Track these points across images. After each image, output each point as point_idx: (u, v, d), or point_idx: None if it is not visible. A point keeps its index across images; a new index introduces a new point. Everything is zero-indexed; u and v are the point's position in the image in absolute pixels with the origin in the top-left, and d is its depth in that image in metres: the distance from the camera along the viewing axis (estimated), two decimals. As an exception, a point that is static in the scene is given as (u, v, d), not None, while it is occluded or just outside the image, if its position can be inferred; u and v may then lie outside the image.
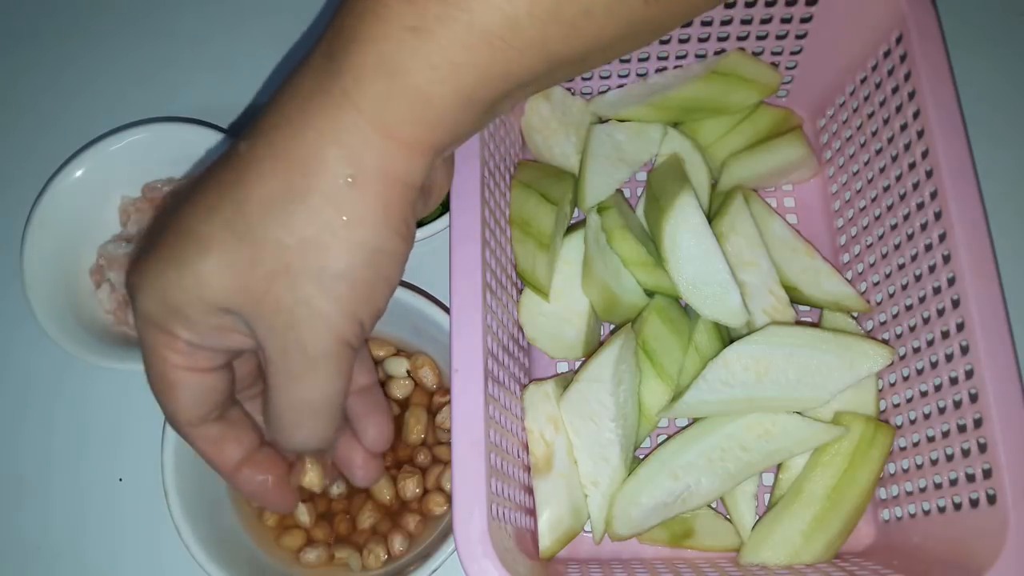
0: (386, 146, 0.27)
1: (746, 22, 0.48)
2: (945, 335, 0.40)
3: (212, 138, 0.51)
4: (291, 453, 0.36)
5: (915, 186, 0.43)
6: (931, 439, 0.41)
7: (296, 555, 0.45)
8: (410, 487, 0.45)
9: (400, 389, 0.47)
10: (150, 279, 0.29)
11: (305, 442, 0.32)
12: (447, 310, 0.45)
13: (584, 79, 0.52)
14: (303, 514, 0.45)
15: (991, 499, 0.36)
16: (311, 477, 0.36)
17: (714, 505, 0.45)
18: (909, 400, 0.43)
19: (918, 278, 0.43)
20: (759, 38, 0.50)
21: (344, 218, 0.27)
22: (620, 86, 0.52)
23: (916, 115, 0.42)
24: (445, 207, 0.49)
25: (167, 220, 0.30)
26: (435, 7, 0.25)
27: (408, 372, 0.48)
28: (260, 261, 0.27)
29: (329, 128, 0.27)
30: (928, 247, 0.42)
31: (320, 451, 0.34)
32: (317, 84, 0.27)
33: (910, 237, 0.43)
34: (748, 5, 0.47)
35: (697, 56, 0.51)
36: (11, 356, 0.53)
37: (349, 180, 0.27)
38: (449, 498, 0.45)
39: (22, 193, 0.52)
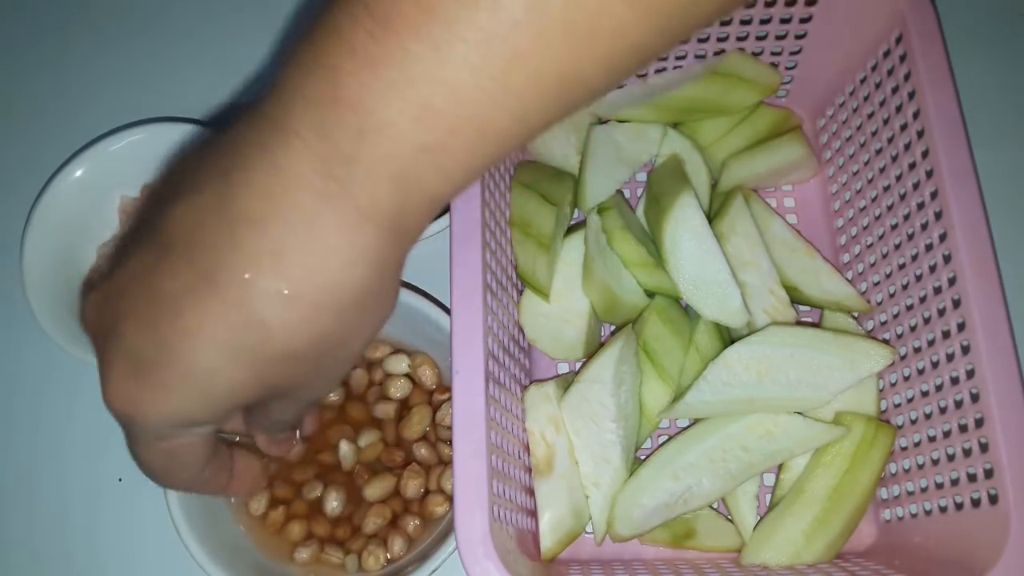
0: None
1: (745, 22, 0.48)
2: (946, 335, 0.40)
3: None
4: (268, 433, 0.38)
5: (915, 186, 0.43)
6: (932, 439, 0.41)
7: (293, 554, 0.44)
8: (413, 486, 0.45)
9: (399, 389, 0.47)
10: (154, 401, 0.26)
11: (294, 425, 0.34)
12: (446, 310, 0.45)
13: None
14: (333, 500, 0.45)
15: (992, 499, 0.36)
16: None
17: (715, 506, 0.45)
18: (910, 400, 0.43)
19: (919, 278, 0.43)
20: (759, 38, 0.50)
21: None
22: (620, 87, 0.52)
23: (916, 115, 0.42)
24: (445, 207, 0.49)
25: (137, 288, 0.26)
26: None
27: (407, 370, 0.48)
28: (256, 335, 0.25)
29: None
30: (928, 247, 0.42)
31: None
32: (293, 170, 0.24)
33: (910, 237, 0.43)
34: (748, 5, 0.47)
35: (697, 56, 0.51)
36: (11, 356, 0.53)
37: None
38: (449, 498, 0.45)
39: (22, 193, 0.52)
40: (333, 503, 0.45)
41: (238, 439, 0.41)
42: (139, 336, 0.26)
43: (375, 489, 0.45)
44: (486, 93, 0.22)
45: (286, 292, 0.24)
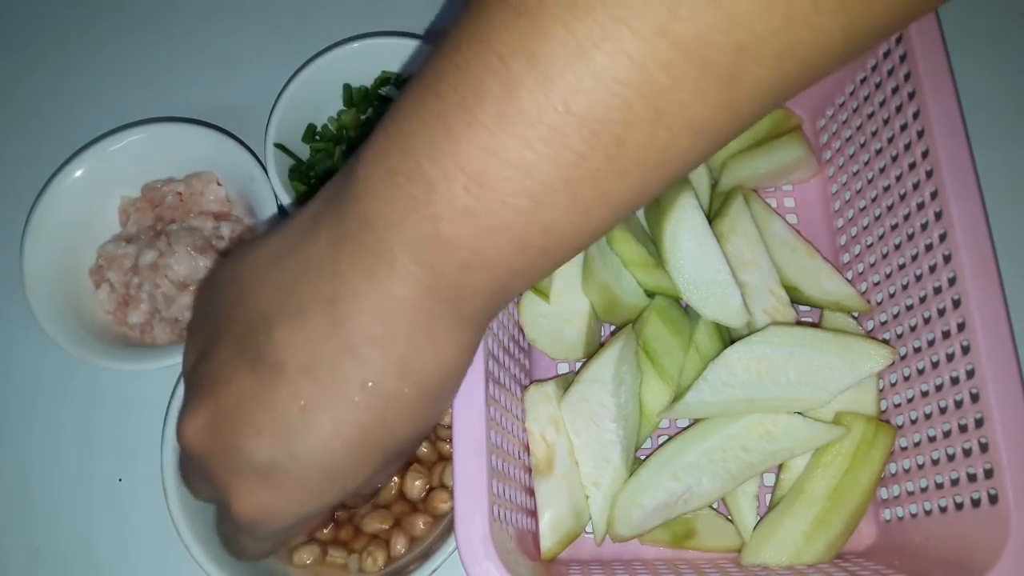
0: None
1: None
2: (946, 335, 0.40)
3: (212, 138, 0.51)
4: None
5: (915, 186, 0.43)
6: (932, 439, 0.41)
7: (293, 554, 0.44)
8: (417, 487, 0.45)
9: None
10: (291, 504, 0.29)
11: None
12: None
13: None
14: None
15: (992, 499, 0.36)
16: None
17: (715, 506, 0.45)
18: (910, 400, 0.43)
19: (919, 278, 0.43)
20: (759, 38, 0.49)
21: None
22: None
23: (916, 115, 0.42)
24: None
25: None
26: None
27: None
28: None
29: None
30: (928, 247, 0.42)
31: None
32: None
33: (910, 237, 0.43)
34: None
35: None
36: (10, 356, 0.53)
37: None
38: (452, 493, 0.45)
39: (22, 193, 0.52)
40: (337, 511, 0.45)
41: None
42: (269, 451, 0.28)
43: (380, 497, 0.45)
44: (573, 226, 0.25)
45: (408, 391, 0.28)
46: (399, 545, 0.44)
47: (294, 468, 0.28)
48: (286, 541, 0.33)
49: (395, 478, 0.45)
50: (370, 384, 0.27)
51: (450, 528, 0.42)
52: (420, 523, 0.45)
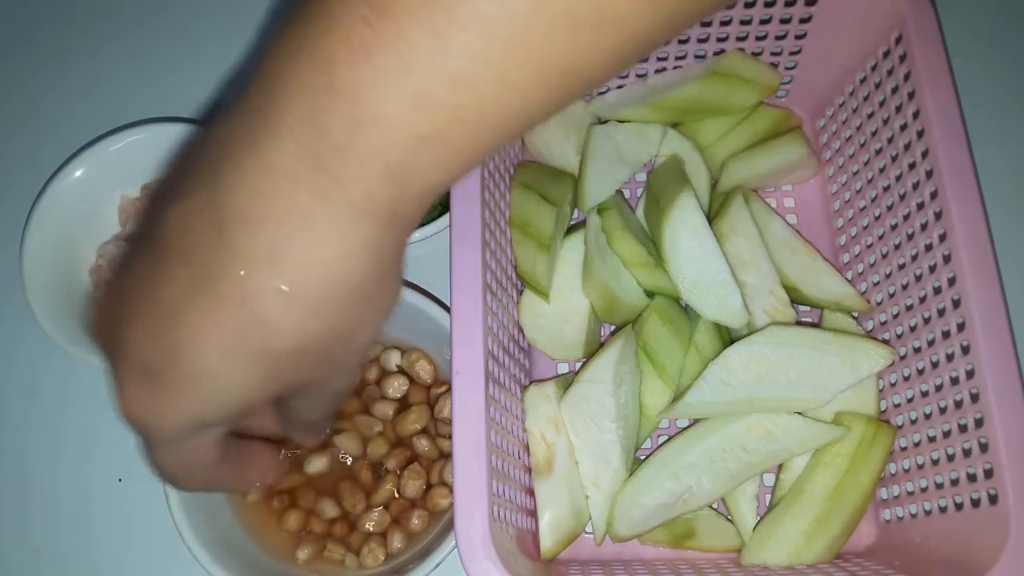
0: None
1: (745, 22, 0.48)
2: (946, 335, 0.40)
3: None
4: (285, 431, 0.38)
5: (915, 186, 0.43)
6: (932, 439, 0.41)
7: (295, 553, 0.45)
8: (413, 487, 0.45)
9: (395, 390, 0.47)
10: (167, 407, 0.26)
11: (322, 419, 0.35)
12: (445, 308, 0.45)
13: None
14: (327, 510, 0.45)
15: (992, 499, 0.36)
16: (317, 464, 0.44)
17: (715, 506, 0.45)
18: (910, 400, 0.43)
19: (918, 278, 0.43)
20: (758, 38, 0.50)
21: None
22: (620, 87, 0.52)
23: (916, 115, 0.42)
24: (445, 207, 0.49)
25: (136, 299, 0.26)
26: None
27: (400, 367, 0.48)
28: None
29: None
30: (928, 247, 0.42)
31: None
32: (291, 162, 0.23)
33: (910, 237, 0.43)
34: (748, 5, 0.47)
35: (696, 57, 0.51)
36: (11, 356, 0.53)
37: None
38: (451, 490, 0.45)
39: (22, 193, 0.52)
40: (329, 512, 0.45)
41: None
42: (145, 344, 0.25)
43: (378, 496, 0.45)
44: (487, 83, 0.22)
45: (284, 289, 0.24)
46: (396, 541, 0.44)
47: (170, 365, 0.25)
48: (219, 477, 0.32)
49: (394, 479, 0.46)
50: (241, 273, 0.24)
51: (450, 526, 0.42)
52: (414, 518, 0.45)
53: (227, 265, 0.24)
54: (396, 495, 0.46)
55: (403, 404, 0.47)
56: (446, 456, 0.46)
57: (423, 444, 0.46)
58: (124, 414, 0.27)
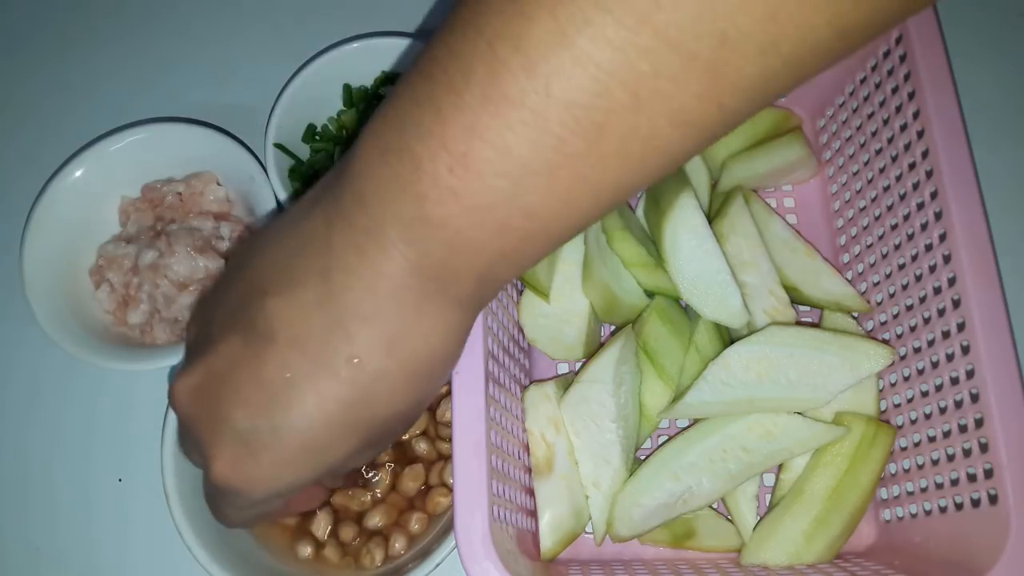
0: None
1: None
2: (946, 335, 0.40)
3: (212, 138, 0.51)
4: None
5: (915, 186, 0.43)
6: (932, 439, 0.41)
7: (295, 553, 0.45)
8: (412, 487, 0.45)
9: None
10: (271, 476, 0.29)
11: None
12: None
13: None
14: (319, 525, 0.45)
15: (992, 499, 0.36)
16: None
17: (715, 506, 0.45)
18: (910, 400, 0.43)
19: (918, 278, 0.43)
20: (759, 38, 0.49)
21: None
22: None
23: (916, 115, 0.42)
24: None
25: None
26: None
27: None
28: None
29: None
30: (928, 247, 0.42)
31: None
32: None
33: (910, 237, 0.43)
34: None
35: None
36: (11, 356, 0.53)
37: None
38: (452, 491, 0.45)
39: (22, 193, 0.52)
40: (326, 521, 0.45)
41: None
42: (252, 420, 0.28)
43: (378, 496, 0.45)
44: (554, 211, 0.26)
45: (393, 370, 0.28)
46: (398, 544, 0.44)
47: (274, 439, 0.28)
48: (269, 513, 0.34)
49: (388, 473, 0.46)
50: (356, 360, 0.27)
51: (449, 527, 0.42)
52: (414, 520, 0.45)
53: (344, 351, 0.27)
54: (395, 495, 0.46)
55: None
56: (445, 458, 0.46)
57: (422, 446, 0.46)
58: (217, 479, 0.29)
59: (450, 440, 0.36)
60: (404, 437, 0.46)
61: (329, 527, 0.45)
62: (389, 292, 0.27)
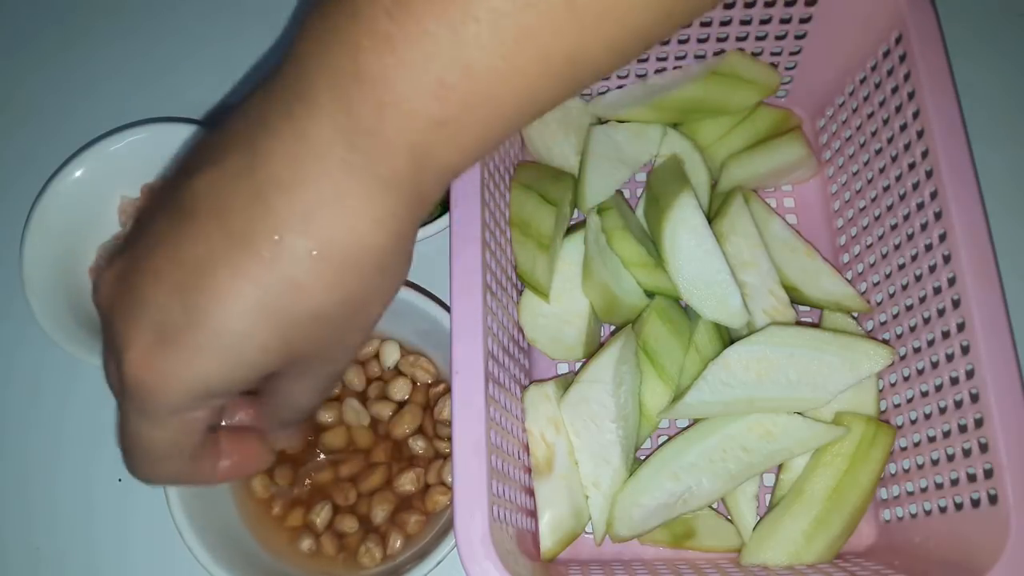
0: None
1: (745, 23, 0.48)
2: (946, 335, 0.40)
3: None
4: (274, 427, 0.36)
5: (915, 186, 0.43)
6: (932, 439, 0.41)
7: (296, 550, 0.45)
8: (409, 481, 0.45)
9: (399, 391, 0.47)
10: (181, 367, 0.26)
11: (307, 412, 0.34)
12: (445, 307, 0.45)
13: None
14: (320, 513, 0.45)
15: (992, 499, 0.36)
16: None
17: (715, 506, 0.45)
18: (910, 400, 0.43)
19: (918, 278, 0.43)
20: (758, 39, 0.50)
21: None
22: (619, 87, 0.52)
23: (916, 115, 0.42)
24: (445, 207, 0.49)
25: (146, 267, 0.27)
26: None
27: (399, 367, 0.48)
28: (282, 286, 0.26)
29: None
30: (928, 247, 0.42)
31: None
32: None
33: (910, 237, 0.43)
34: (747, 5, 0.47)
35: (696, 57, 0.51)
36: (11, 356, 0.53)
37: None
38: (451, 490, 0.45)
39: (22, 193, 0.52)
40: (328, 511, 0.45)
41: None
42: (166, 302, 0.26)
43: (375, 494, 0.45)
44: (497, 72, 0.23)
45: (315, 253, 0.25)
46: (396, 542, 0.44)
47: (186, 322, 0.26)
48: (199, 469, 0.31)
49: (384, 471, 0.46)
50: (276, 237, 0.25)
51: (448, 528, 0.42)
52: (413, 519, 0.45)
53: (263, 226, 0.25)
54: (393, 494, 0.46)
55: (400, 405, 0.47)
56: (443, 457, 0.46)
57: (419, 445, 0.46)
58: (131, 376, 0.26)
59: (448, 439, 0.36)
60: (399, 435, 0.46)
61: (329, 519, 0.45)
62: (312, 159, 0.25)
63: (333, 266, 0.25)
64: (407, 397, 0.47)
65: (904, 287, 0.44)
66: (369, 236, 0.26)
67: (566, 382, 0.45)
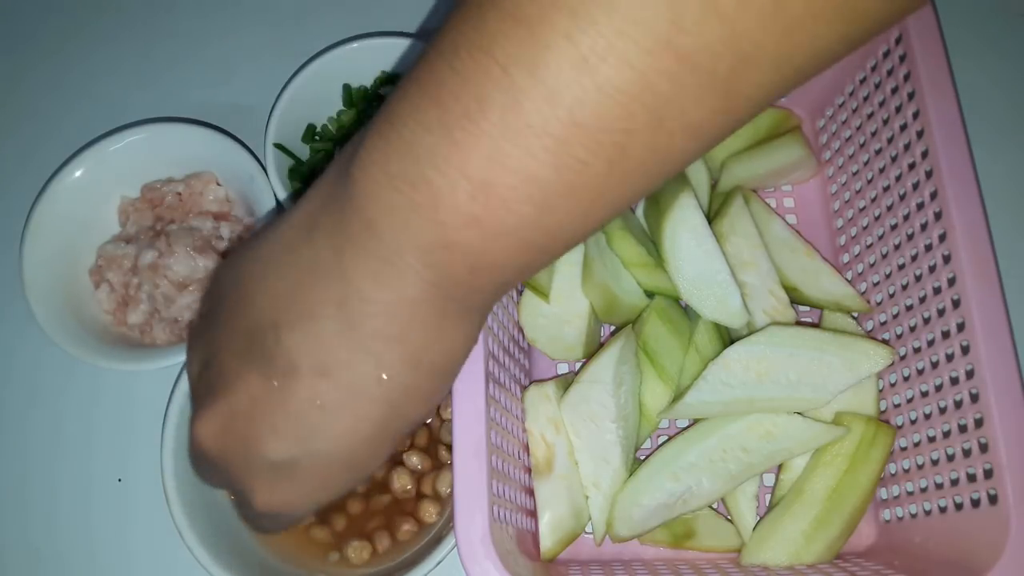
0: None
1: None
2: (945, 335, 0.40)
3: (211, 138, 0.51)
4: None
5: (915, 186, 0.43)
6: (932, 439, 0.41)
7: (295, 549, 0.45)
8: (402, 481, 0.45)
9: None
10: (311, 495, 0.30)
11: None
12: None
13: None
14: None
15: (992, 499, 0.36)
16: None
17: (715, 506, 0.45)
18: (910, 400, 0.43)
19: (918, 278, 0.43)
20: (759, 38, 0.49)
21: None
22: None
23: (916, 115, 0.42)
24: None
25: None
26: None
27: None
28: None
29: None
30: (928, 247, 0.42)
31: None
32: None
33: (910, 237, 0.43)
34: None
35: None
36: (11, 356, 0.53)
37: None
38: (442, 503, 0.45)
39: (22, 193, 0.52)
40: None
41: None
42: (289, 451, 0.29)
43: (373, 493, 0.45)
44: (574, 227, 0.26)
45: (421, 382, 0.29)
46: (384, 543, 0.44)
47: (312, 464, 0.29)
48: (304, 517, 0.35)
49: (397, 473, 0.46)
50: (385, 378, 0.28)
51: (440, 536, 0.42)
52: (404, 528, 0.45)
53: (371, 374, 0.28)
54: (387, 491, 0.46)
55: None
56: (443, 464, 0.46)
57: (413, 460, 0.46)
58: (261, 507, 0.30)
59: (447, 447, 0.36)
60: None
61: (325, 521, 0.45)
62: (412, 314, 0.27)
63: (436, 383, 0.29)
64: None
65: (904, 287, 0.44)
66: (462, 351, 0.30)
67: (566, 382, 0.45)
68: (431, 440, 0.46)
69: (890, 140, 0.45)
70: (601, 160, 0.24)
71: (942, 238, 0.40)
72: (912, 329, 0.43)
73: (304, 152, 0.53)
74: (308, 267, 0.28)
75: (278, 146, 0.50)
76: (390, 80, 0.54)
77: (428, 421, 0.47)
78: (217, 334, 0.30)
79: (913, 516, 0.42)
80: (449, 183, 0.24)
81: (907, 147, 0.43)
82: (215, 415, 0.30)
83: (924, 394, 0.42)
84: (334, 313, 0.27)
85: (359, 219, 0.26)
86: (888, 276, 0.46)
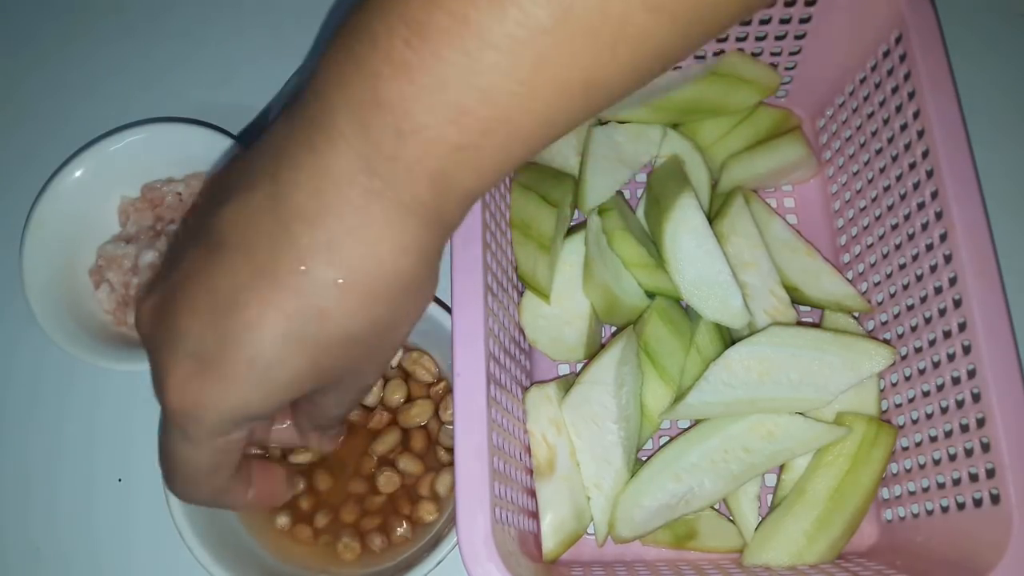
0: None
1: (745, 23, 0.48)
2: (947, 335, 0.40)
3: (211, 138, 0.51)
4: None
5: (915, 186, 0.43)
6: (934, 439, 0.41)
7: (295, 549, 0.45)
8: (391, 485, 0.45)
9: (397, 391, 0.47)
10: (219, 395, 0.27)
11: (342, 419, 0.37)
12: (444, 306, 0.45)
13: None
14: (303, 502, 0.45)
15: (994, 499, 0.36)
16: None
17: (717, 506, 0.45)
18: (911, 400, 0.43)
19: (919, 278, 0.43)
20: (758, 39, 0.50)
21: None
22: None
23: (916, 115, 0.42)
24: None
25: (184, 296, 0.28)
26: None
27: (401, 366, 0.48)
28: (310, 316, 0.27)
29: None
30: (929, 247, 0.42)
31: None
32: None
33: (911, 237, 0.43)
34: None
35: (696, 57, 0.51)
36: (11, 356, 0.53)
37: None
38: (441, 504, 0.45)
39: (22, 193, 0.52)
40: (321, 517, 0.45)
41: (260, 454, 0.43)
42: (201, 332, 0.27)
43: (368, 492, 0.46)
44: (515, 97, 0.24)
45: (341, 281, 0.26)
46: (376, 542, 0.44)
47: (220, 352, 0.27)
48: (228, 492, 0.33)
49: (384, 474, 0.46)
50: (302, 268, 0.26)
51: (439, 538, 0.42)
52: (399, 529, 0.45)
53: (288, 257, 0.26)
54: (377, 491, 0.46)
55: (406, 401, 0.48)
56: (443, 464, 0.46)
57: (403, 463, 0.46)
58: (172, 403, 0.28)
59: (449, 449, 0.36)
60: (409, 425, 0.46)
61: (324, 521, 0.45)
62: (334, 190, 0.25)
63: (359, 293, 0.26)
64: (407, 396, 0.47)
65: (905, 287, 0.44)
66: (393, 262, 0.26)
67: (567, 383, 0.45)
68: (429, 443, 0.46)
69: (890, 140, 0.45)
70: (543, 11, 0.22)
71: (943, 238, 0.40)
72: (913, 329, 0.43)
73: (304, 152, 0.53)
74: (264, 145, 0.27)
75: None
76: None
77: (424, 424, 0.46)
78: (188, 219, 0.30)
79: (915, 516, 0.42)
80: (387, 28, 0.24)
81: (907, 147, 0.43)
82: (154, 291, 0.29)
83: (926, 394, 0.42)
84: (266, 185, 0.26)
85: (312, 85, 0.26)
86: (889, 276, 0.46)
